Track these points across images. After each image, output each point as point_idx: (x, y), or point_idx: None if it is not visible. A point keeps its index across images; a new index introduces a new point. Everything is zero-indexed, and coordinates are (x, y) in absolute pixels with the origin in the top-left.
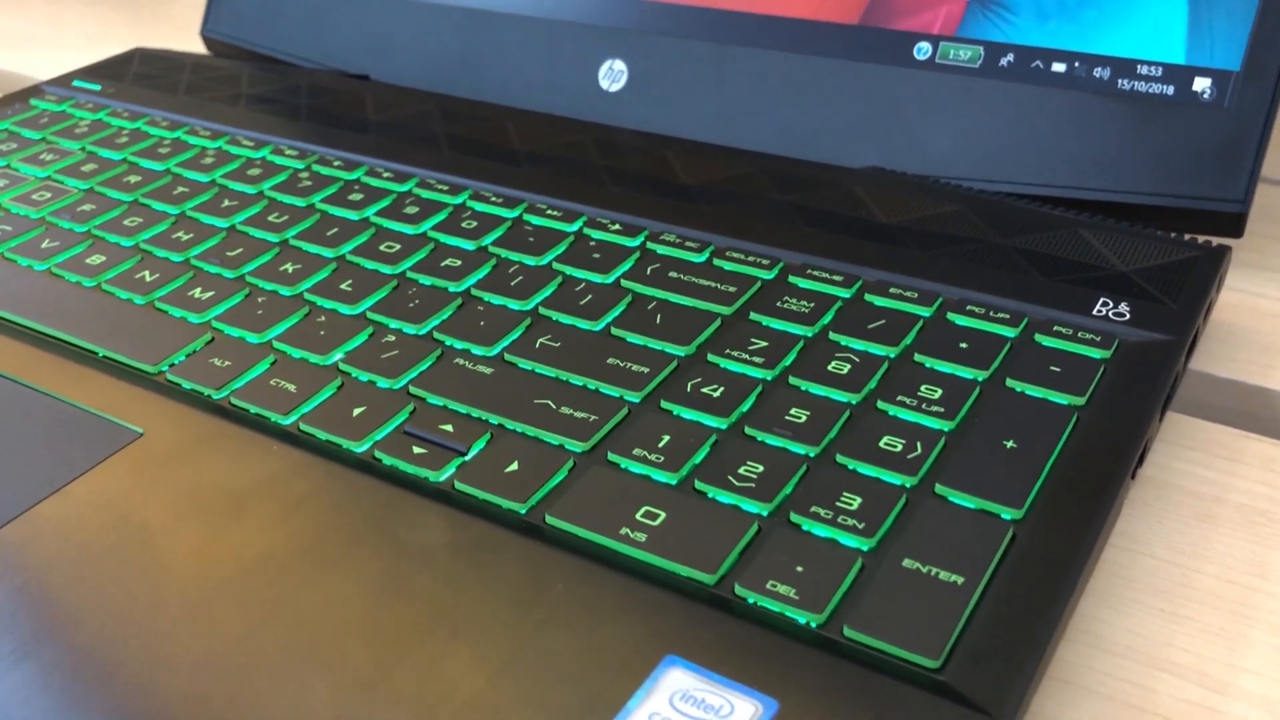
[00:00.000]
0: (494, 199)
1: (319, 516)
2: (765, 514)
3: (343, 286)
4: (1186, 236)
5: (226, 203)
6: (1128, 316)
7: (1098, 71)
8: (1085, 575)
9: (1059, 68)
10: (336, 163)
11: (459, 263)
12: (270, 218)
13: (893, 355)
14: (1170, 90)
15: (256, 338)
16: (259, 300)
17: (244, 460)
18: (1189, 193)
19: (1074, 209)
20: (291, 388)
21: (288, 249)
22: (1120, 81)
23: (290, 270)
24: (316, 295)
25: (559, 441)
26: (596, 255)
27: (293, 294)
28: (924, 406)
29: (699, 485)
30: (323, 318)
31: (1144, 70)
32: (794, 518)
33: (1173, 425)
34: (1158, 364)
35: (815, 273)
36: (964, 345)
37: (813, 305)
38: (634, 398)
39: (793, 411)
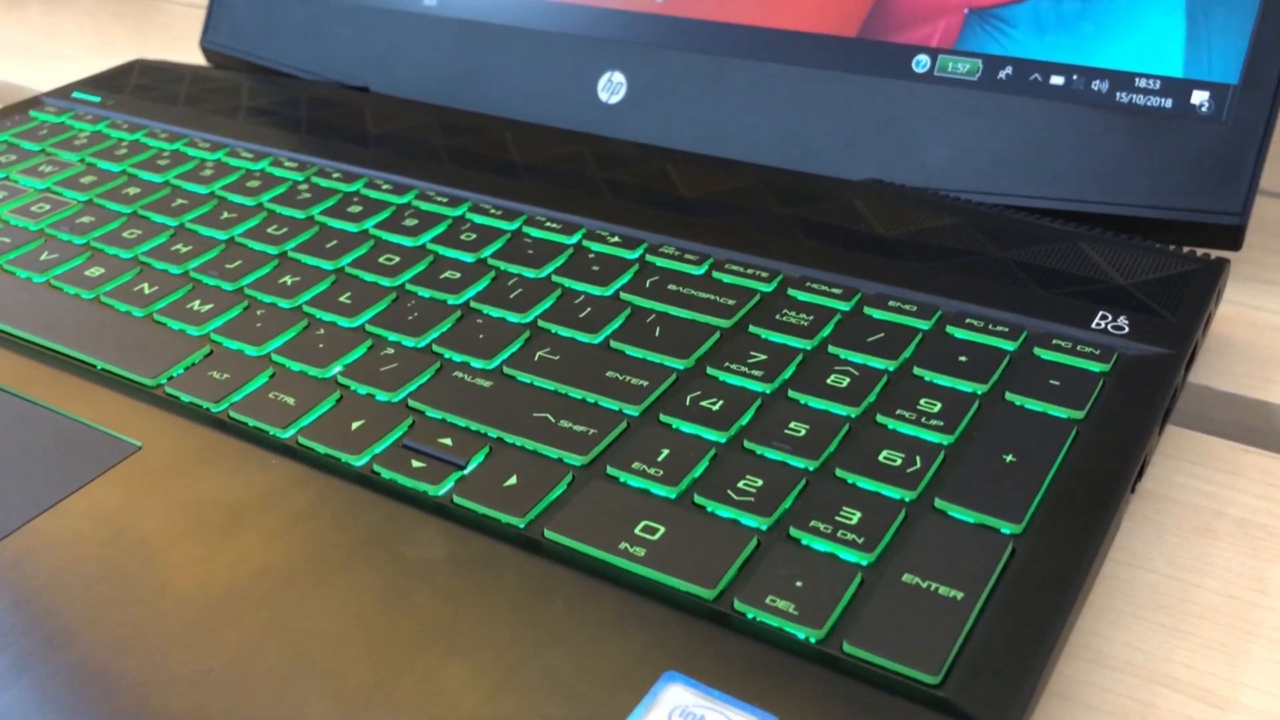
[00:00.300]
0: (493, 211)
1: (317, 531)
2: (764, 528)
3: (342, 299)
4: (1185, 249)
5: (226, 215)
6: (1127, 330)
7: (1096, 84)
8: (1085, 590)
9: (1057, 80)
10: (336, 175)
11: (458, 275)
12: (269, 230)
13: (892, 369)
14: (1168, 103)
15: (255, 350)
16: (258, 313)
17: (242, 474)
18: (1187, 205)
19: (1073, 221)
20: (290, 401)
21: (287, 261)
22: (1118, 94)
23: (289, 283)
24: (315, 308)
25: (558, 455)
26: (595, 268)
27: (292, 306)
28: (923, 420)
29: (698, 499)
30: (322, 330)
31: (1142, 83)
32: (793, 532)
33: (1172, 438)
34: (1157, 377)
35: (814, 285)
36: (963, 359)
37: (812, 318)
38: (633, 411)
39: (792, 425)
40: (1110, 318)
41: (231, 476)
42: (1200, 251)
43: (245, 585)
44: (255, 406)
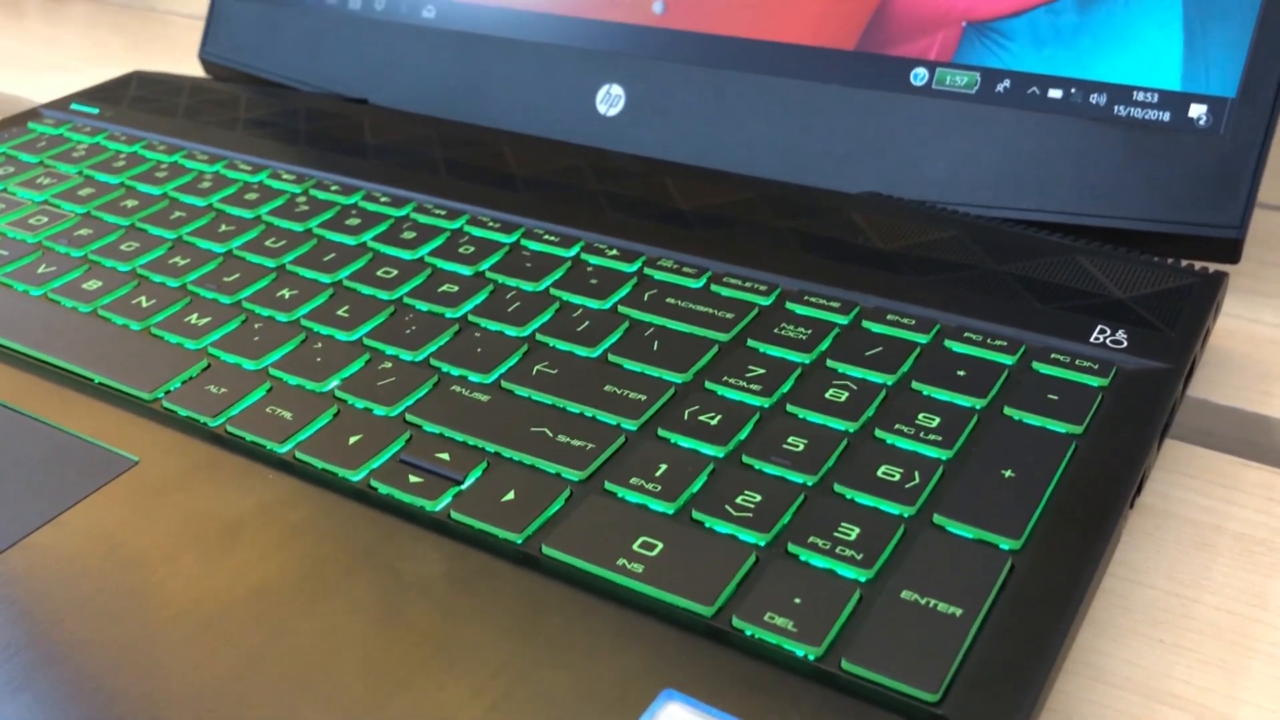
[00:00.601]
0: (491, 224)
1: (315, 546)
2: (763, 544)
3: (339, 312)
4: (1184, 263)
5: (224, 227)
6: (1125, 344)
7: (1094, 98)
8: (1084, 606)
9: (1055, 94)
10: (334, 187)
11: (456, 288)
12: (267, 243)
13: (890, 383)
14: (1166, 116)
15: (253, 364)
16: (255, 326)
17: (239, 489)
18: (1186, 219)
19: (1071, 235)
20: (287, 415)
21: (284, 274)
22: (1117, 107)
23: (287, 296)
24: (313, 321)
25: (556, 470)
26: (594, 281)
27: (289, 320)
28: (922, 435)
29: (696, 515)
30: (319, 344)
31: (1140, 96)
32: (792, 548)
33: (1171, 453)
34: (1155, 392)
35: (812, 299)
36: (961, 373)
37: (810, 332)
38: (631, 426)
39: (790, 440)
40: (1109, 332)
41: (228, 491)
42: (1199, 265)
43: (242, 600)
44: (252, 421)
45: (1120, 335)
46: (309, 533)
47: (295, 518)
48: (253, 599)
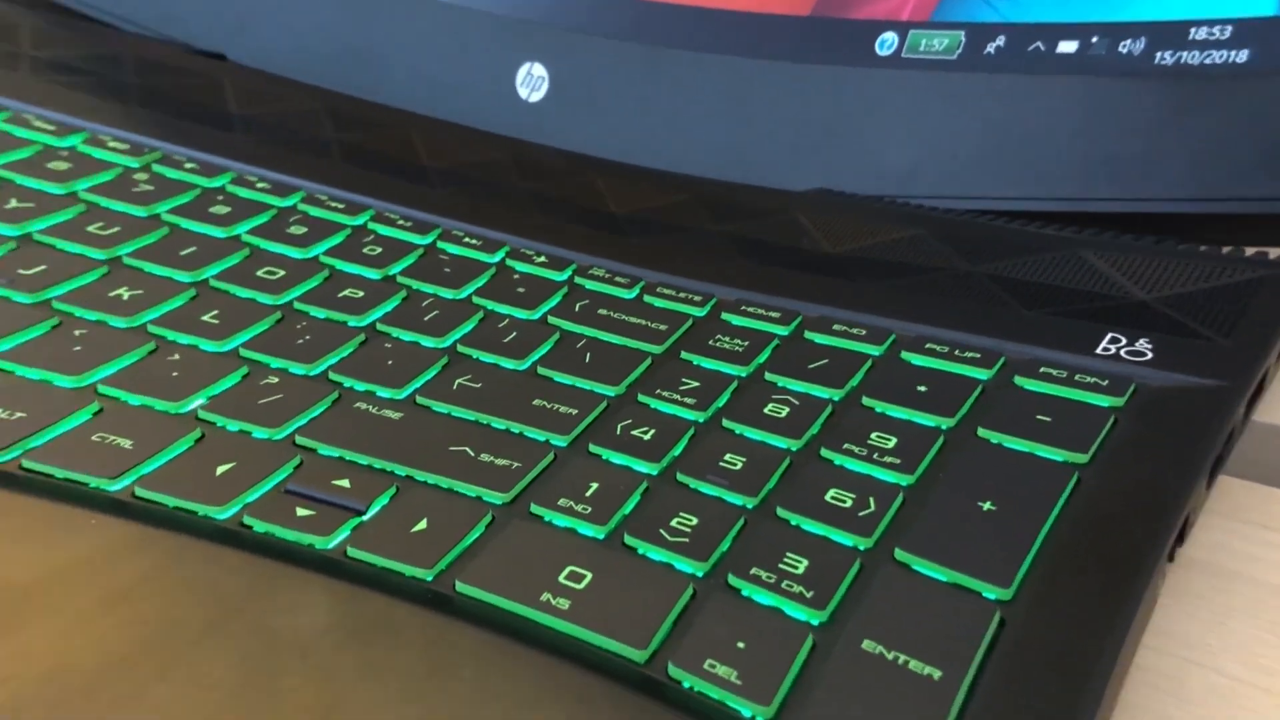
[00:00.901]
0: (401, 222)
1: (156, 607)
2: (701, 575)
3: (205, 318)
4: (1248, 251)
5: (14, 203)
6: (1149, 355)
7: (1126, 46)
8: (1113, 683)
9: (1067, 47)
10: (189, 165)
11: (361, 294)
12: (91, 228)
13: (837, 398)
14: (1243, 56)
15: (71, 381)
16: (75, 333)
17: (37, 543)
18: (1258, 193)
19: (1075, 225)
20: (125, 444)
21: (121, 268)
22: (1160, 55)
23: (126, 296)
24: (165, 328)
25: (476, 493)
26: (521, 290)
27: (129, 325)
28: (876, 456)
29: (629, 540)
30: (175, 355)
31: (1200, 34)
32: (733, 580)
33: (1231, 493)
34: (1198, 415)
35: (750, 309)
36: (923, 388)
37: (747, 343)
38: (561, 441)
39: (727, 457)
40: (1123, 340)
41: (17, 548)
42: (1274, 253)
43: (30, 693)
44: (66, 453)
45: (1141, 345)
46: (148, 591)
47: (126, 574)
48: (44, 689)
